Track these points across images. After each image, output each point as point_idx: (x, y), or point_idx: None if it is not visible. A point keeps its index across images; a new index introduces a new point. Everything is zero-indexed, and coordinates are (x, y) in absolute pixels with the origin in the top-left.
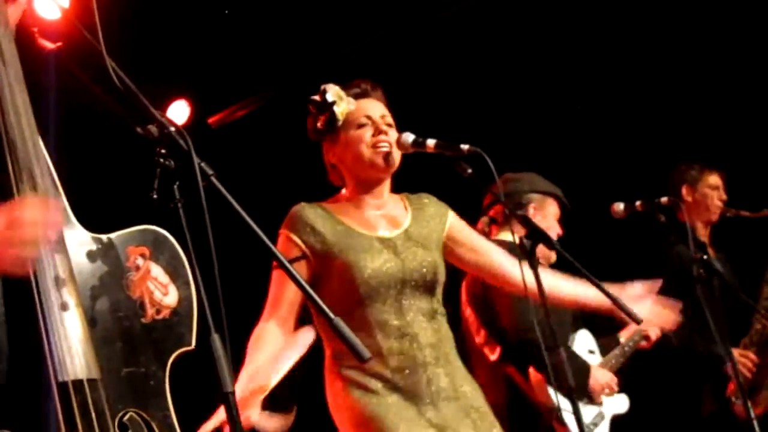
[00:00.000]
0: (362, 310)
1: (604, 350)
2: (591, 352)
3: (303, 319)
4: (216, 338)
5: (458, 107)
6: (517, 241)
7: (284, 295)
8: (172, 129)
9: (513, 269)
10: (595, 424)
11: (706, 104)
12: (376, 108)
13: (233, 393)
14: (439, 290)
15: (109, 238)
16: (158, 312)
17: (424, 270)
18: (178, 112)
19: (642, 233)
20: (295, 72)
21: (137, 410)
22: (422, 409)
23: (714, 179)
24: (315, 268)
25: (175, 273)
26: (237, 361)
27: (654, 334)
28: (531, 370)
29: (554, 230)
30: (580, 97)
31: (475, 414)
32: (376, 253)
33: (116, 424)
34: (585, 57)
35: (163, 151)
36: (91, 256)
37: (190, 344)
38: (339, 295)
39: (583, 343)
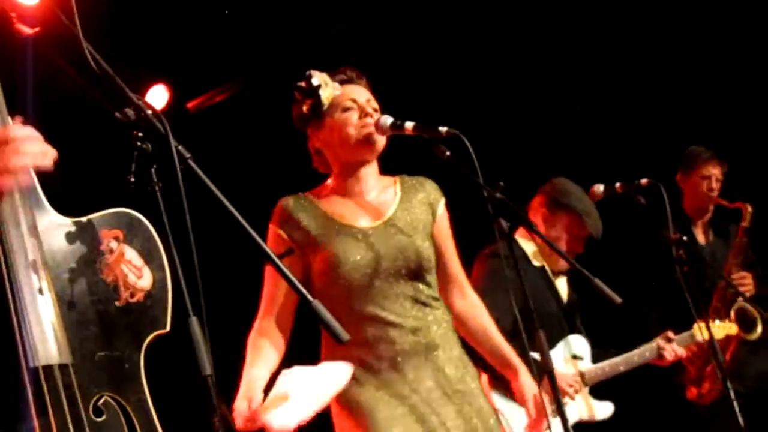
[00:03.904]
0: (347, 301)
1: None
2: (576, 357)
3: None
4: (194, 321)
5: (438, 91)
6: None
7: (278, 290)
8: (149, 112)
9: (457, 297)
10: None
11: (686, 86)
12: (361, 93)
13: (211, 376)
14: (429, 276)
15: (83, 221)
16: (132, 295)
17: (407, 258)
18: (157, 96)
19: (621, 215)
20: (274, 57)
21: (112, 394)
22: (406, 397)
23: (706, 170)
24: (304, 260)
25: (149, 256)
26: (215, 344)
27: (670, 354)
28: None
29: (563, 244)
30: (561, 80)
31: (462, 398)
32: (355, 246)
33: (91, 407)
34: (566, 38)
35: (140, 134)
36: (65, 239)
37: (164, 327)
38: (325, 287)
39: (571, 347)
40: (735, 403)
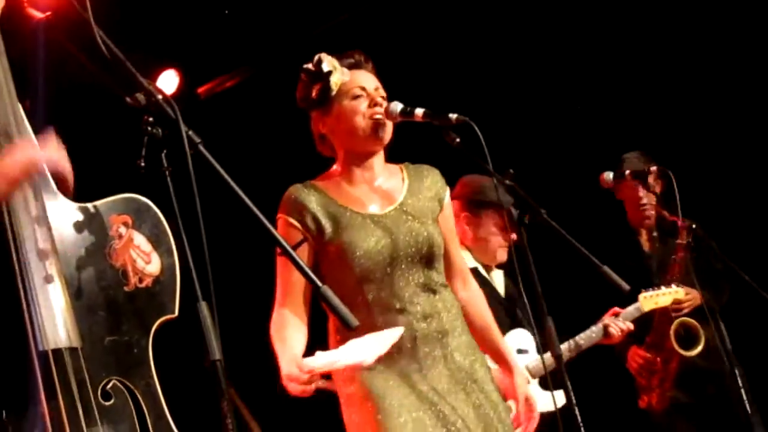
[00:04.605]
0: (359, 289)
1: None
2: (521, 351)
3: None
4: (203, 306)
5: (446, 79)
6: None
7: (293, 278)
8: (160, 97)
9: (459, 289)
10: None
11: (693, 73)
12: (369, 80)
13: (221, 361)
14: (439, 262)
15: (92, 207)
16: (141, 280)
17: (420, 244)
18: (168, 82)
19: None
20: (284, 43)
21: (120, 378)
22: (416, 383)
23: (631, 182)
24: (315, 248)
25: (157, 241)
26: (224, 329)
27: (616, 330)
28: None
29: (495, 238)
30: (568, 65)
31: (472, 385)
32: (369, 233)
33: (99, 392)
34: (576, 23)
35: (150, 119)
36: (74, 225)
37: (173, 312)
38: (336, 274)
39: (514, 342)
40: (743, 394)
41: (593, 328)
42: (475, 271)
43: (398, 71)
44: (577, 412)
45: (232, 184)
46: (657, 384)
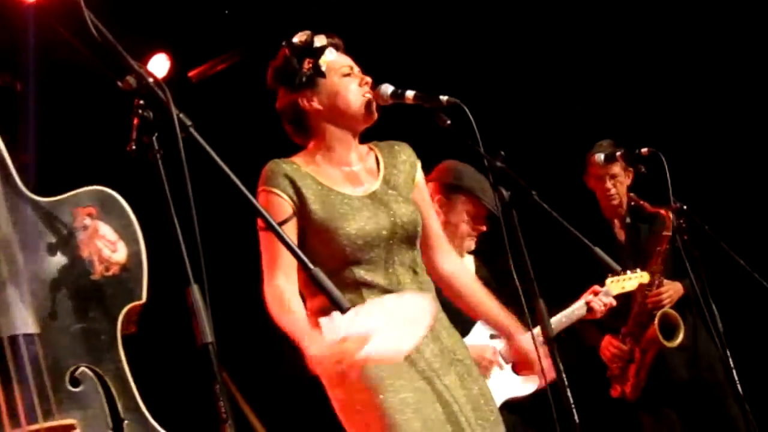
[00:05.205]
0: (348, 270)
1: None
2: (495, 336)
3: None
4: (195, 288)
5: (438, 61)
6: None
7: (281, 252)
8: (151, 80)
9: (444, 260)
10: None
11: (689, 52)
12: (350, 60)
13: (212, 343)
14: (418, 242)
15: (57, 200)
16: (107, 269)
17: (405, 223)
18: (158, 66)
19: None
20: (276, 26)
21: (89, 365)
22: (414, 361)
23: (596, 170)
24: (302, 223)
25: (123, 231)
26: (216, 311)
27: (598, 305)
28: None
29: (465, 225)
30: (559, 46)
31: (457, 363)
32: (357, 213)
33: (68, 378)
34: (562, 8)
35: (141, 102)
36: (41, 218)
37: (140, 298)
38: (323, 254)
39: (487, 327)
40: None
41: (575, 305)
42: None
43: (389, 53)
44: (569, 394)
45: (224, 167)
46: (633, 374)
